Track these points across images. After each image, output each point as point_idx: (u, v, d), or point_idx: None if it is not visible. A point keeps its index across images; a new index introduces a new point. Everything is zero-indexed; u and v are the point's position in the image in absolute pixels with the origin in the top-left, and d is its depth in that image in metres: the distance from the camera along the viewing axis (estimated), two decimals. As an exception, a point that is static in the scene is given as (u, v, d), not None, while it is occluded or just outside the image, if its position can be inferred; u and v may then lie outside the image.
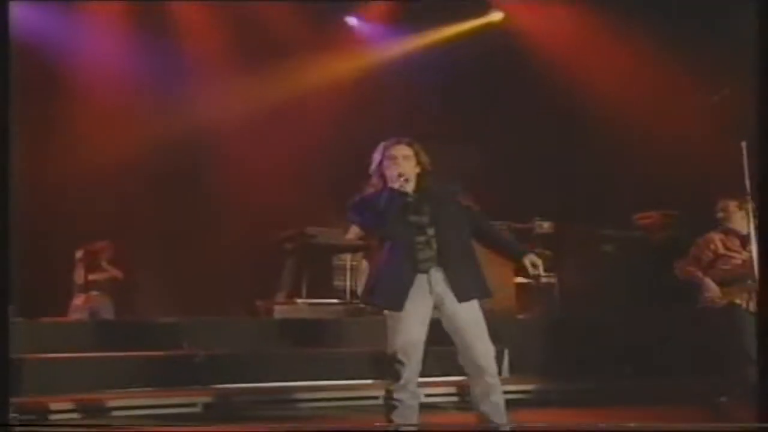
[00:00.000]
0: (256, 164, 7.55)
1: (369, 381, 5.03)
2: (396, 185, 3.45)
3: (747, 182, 3.73)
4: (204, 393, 4.79)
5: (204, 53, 7.60)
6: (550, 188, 7.73)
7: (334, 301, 6.72)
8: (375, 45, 8.31)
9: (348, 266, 6.87)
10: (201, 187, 7.57)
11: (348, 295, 6.78)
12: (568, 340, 5.95)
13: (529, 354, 5.74)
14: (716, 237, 4.90)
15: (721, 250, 4.85)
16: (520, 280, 6.59)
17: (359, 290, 6.71)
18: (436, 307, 3.41)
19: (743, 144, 3.71)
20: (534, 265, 3.49)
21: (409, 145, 3.52)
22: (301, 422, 4.57)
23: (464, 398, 4.71)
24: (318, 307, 6.54)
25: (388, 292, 3.37)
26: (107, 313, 6.81)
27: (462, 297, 3.37)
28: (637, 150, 7.24)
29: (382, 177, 3.51)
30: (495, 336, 3.52)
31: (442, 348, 3.58)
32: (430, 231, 3.39)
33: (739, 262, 4.76)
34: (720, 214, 4.89)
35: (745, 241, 4.75)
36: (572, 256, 7.02)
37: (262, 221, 7.32)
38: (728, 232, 4.88)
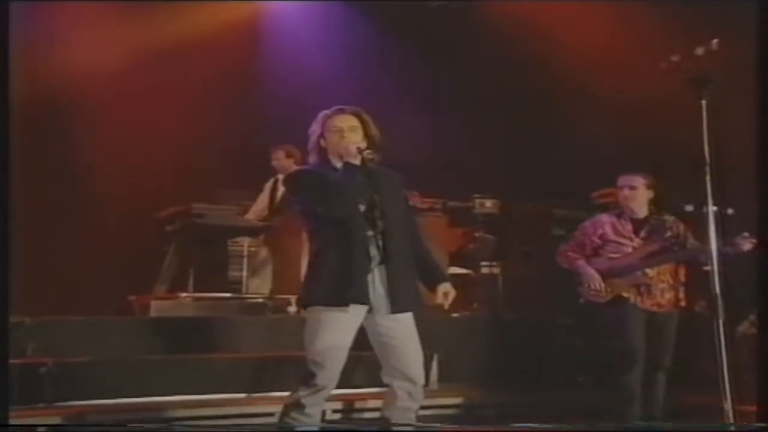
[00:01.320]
0: (131, 126, 7.34)
1: (268, 393, 4.95)
2: (355, 160, 3.45)
3: (706, 147, 3.69)
4: (50, 412, 4.54)
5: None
6: (494, 161, 7.82)
7: (227, 295, 6.61)
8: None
9: (245, 253, 6.82)
10: (58, 155, 7.32)
11: (244, 288, 6.72)
12: (511, 344, 5.97)
13: (463, 361, 5.76)
14: (606, 220, 4.94)
15: (611, 236, 4.87)
16: (455, 270, 6.60)
17: (259, 282, 6.82)
18: (369, 312, 3.48)
19: (703, 103, 3.69)
20: (445, 295, 3.57)
21: (356, 114, 3.54)
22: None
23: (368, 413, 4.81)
24: (207, 303, 6.40)
25: (333, 288, 3.41)
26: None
27: (397, 307, 3.46)
28: (595, 118, 7.34)
29: (322, 153, 3.55)
30: (422, 338, 3.59)
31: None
32: (380, 223, 3.44)
33: (629, 249, 4.82)
34: (625, 192, 4.90)
35: (639, 226, 4.86)
36: (519, 242, 7.09)
37: (138, 196, 7.19)
38: (622, 215, 4.93)
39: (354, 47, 8.07)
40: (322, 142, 3.55)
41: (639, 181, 4.88)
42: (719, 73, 3.69)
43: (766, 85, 4.02)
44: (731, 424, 3.51)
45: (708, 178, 3.69)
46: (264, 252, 6.95)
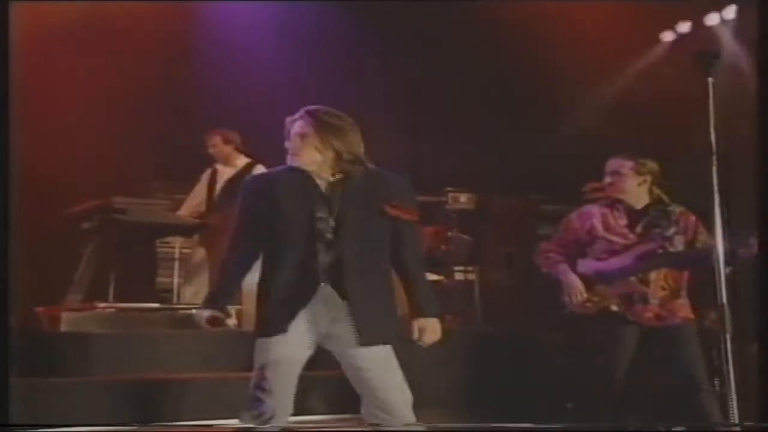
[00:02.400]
0: (43, 107, 7.15)
1: (205, 422, 4.91)
2: (312, 168, 3.61)
3: (712, 132, 3.62)
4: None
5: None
6: (469, 149, 7.89)
7: (155, 306, 6.53)
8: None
9: (177, 255, 6.90)
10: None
11: (176, 298, 6.74)
12: (490, 363, 5.94)
13: (433, 384, 5.58)
14: (596, 212, 4.72)
15: (600, 231, 4.66)
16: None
17: (193, 290, 6.83)
18: (328, 338, 3.59)
19: (709, 80, 3.62)
20: (421, 332, 3.60)
21: (313, 118, 3.63)
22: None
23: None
24: (130, 315, 6.31)
25: (274, 315, 3.53)
26: None
27: (365, 339, 3.52)
28: (588, 99, 7.53)
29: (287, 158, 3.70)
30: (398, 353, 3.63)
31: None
32: (331, 236, 3.54)
33: (620, 248, 4.59)
34: (608, 180, 4.71)
35: (636, 219, 4.62)
36: (499, 242, 7.15)
37: (48, 187, 7.04)
38: (615, 205, 4.70)
39: (305, 30, 8.21)
40: (287, 144, 3.67)
41: (625, 166, 4.65)
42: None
43: (766, 86, 4.16)
44: (737, 423, 3.51)
45: (714, 168, 3.62)
46: (199, 254, 6.90)
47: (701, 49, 3.76)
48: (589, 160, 7.28)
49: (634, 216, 4.64)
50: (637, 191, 4.64)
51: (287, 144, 3.64)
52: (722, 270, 3.56)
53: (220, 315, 3.66)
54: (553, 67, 7.69)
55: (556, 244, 4.78)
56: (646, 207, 4.65)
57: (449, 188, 7.15)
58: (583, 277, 4.64)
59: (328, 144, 3.58)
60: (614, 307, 4.57)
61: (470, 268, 7.08)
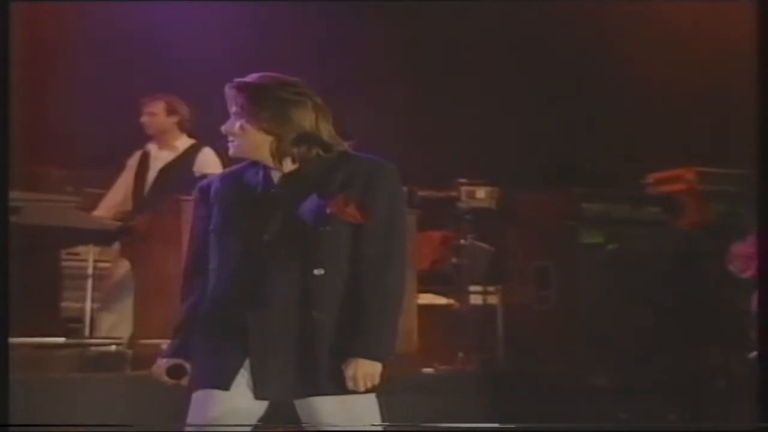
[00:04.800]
0: None
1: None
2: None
3: None
4: None
5: None
6: (488, 131, 8.04)
7: (60, 340, 6.50)
8: None
9: (90, 271, 6.78)
10: None
11: (88, 329, 6.67)
12: (516, 416, 5.86)
13: None
14: None
15: None
16: (428, 299, 6.78)
17: (113, 319, 6.85)
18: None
19: None
20: (353, 380, 3.59)
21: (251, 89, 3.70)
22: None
23: None
24: (26, 354, 6.15)
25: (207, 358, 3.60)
26: None
27: (261, 392, 3.58)
28: (639, 69, 7.78)
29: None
30: (386, 405, 3.65)
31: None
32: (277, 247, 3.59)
33: None
34: None
35: None
36: (530, 253, 7.03)
37: None
38: None
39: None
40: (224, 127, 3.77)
41: None
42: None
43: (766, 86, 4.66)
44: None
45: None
46: (121, 269, 6.90)
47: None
48: (645, 142, 7.21)
49: None
50: None
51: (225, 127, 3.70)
52: None
53: (186, 364, 3.64)
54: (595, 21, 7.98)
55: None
56: None
57: (462, 179, 7.06)
58: None
59: (276, 122, 3.63)
60: None
61: (491, 288, 7.06)
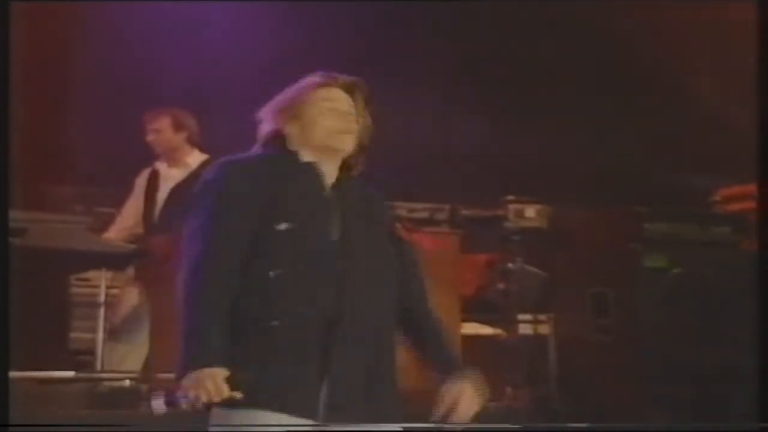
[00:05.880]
0: None
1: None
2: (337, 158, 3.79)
3: None
4: None
5: None
6: (538, 144, 8.24)
7: (69, 374, 6.50)
8: None
9: (102, 299, 6.85)
10: None
11: (99, 362, 6.75)
12: None
13: None
14: None
15: None
16: (472, 329, 6.89)
17: (125, 350, 7.05)
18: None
19: None
20: (453, 403, 3.68)
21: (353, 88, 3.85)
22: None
23: None
24: (32, 388, 6.23)
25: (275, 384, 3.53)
26: None
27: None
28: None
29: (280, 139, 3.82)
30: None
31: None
32: (354, 265, 3.62)
33: None
34: None
35: None
36: (586, 278, 7.09)
37: None
38: None
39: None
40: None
41: None
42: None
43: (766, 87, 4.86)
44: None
45: None
46: (134, 297, 7.02)
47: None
48: (711, 155, 7.24)
49: None
50: None
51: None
52: None
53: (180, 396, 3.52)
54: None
55: None
56: None
57: (510, 197, 7.14)
58: None
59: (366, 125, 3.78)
60: None
61: (542, 317, 7.14)
